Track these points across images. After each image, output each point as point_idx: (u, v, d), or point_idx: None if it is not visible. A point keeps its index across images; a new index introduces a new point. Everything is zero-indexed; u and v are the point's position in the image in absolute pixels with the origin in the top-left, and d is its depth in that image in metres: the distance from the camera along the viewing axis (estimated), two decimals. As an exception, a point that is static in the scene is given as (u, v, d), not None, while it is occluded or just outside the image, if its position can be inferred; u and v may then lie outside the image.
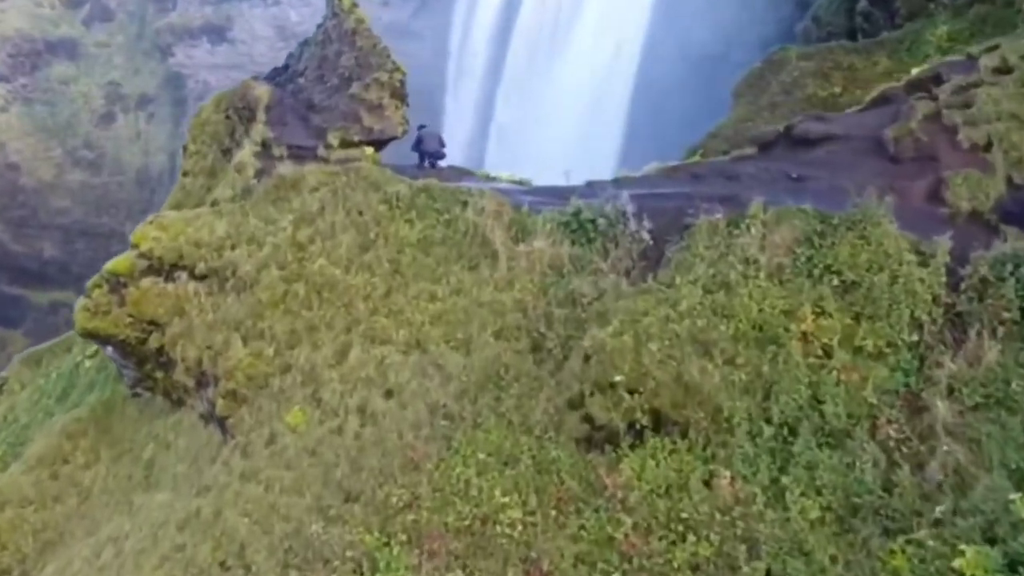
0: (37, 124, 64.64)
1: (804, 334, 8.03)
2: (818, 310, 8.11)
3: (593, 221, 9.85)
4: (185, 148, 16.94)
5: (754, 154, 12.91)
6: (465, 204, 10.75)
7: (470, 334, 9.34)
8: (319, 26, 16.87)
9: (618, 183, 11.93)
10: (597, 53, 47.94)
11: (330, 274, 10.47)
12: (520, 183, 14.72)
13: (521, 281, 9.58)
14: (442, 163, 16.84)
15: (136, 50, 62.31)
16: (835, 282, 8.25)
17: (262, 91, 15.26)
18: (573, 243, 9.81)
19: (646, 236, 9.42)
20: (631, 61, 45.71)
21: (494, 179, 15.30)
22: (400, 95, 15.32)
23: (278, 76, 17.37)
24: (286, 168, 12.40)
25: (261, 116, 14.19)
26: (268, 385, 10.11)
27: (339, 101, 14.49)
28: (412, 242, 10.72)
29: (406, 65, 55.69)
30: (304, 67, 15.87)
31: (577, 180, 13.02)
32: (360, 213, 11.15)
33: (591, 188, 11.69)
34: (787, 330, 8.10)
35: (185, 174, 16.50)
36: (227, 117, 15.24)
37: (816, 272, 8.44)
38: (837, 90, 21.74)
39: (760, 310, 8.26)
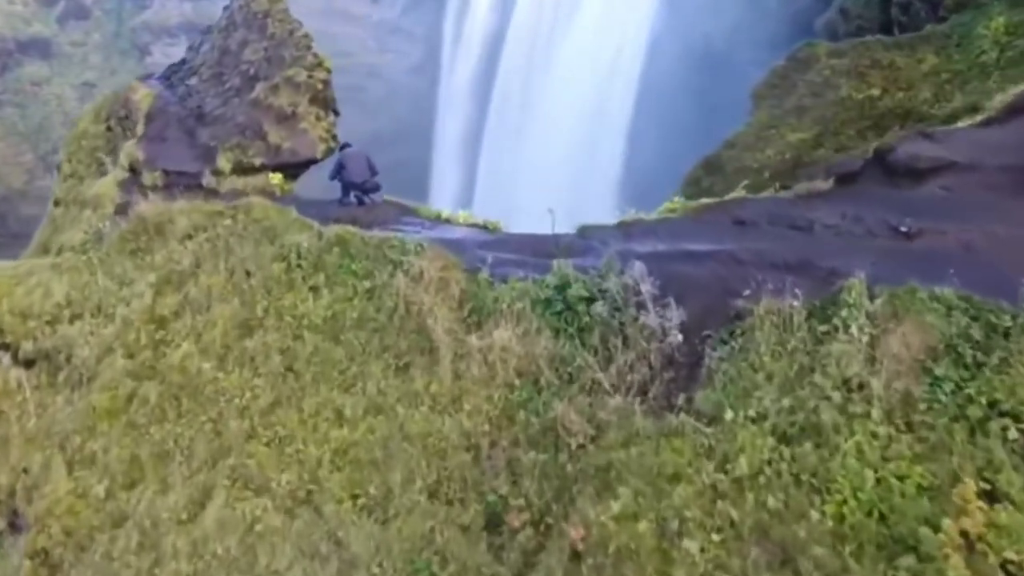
0: (7, 127, 61.05)
1: (965, 536, 4.38)
2: (986, 487, 4.50)
3: (588, 300, 6.25)
4: (59, 168, 12.68)
5: (830, 190, 9.12)
6: (396, 266, 7.19)
7: (390, 487, 5.85)
8: (225, 7, 13.31)
9: (626, 231, 8.41)
10: (598, 52, 44.71)
11: (195, 370, 6.93)
12: (485, 227, 10.51)
13: (473, 398, 6.04)
14: (377, 196, 13.11)
15: (113, 49, 58.95)
16: (1012, 433, 4.65)
17: (143, 95, 11.43)
18: (556, 334, 6.19)
19: (673, 331, 5.78)
20: (633, 61, 42.43)
21: (447, 221, 11.33)
22: (323, 100, 11.76)
23: (173, 74, 13.27)
24: (150, 205, 8.62)
25: (139, 129, 10.77)
26: (91, 546, 6.75)
27: (237, 109, 11.03)
28: (315, 323, 7.11)
29: (396, 65, 51.65)
30: (201, 62, 12.37)
31: (566, 218, 9.35)
32: (248, 274, 7.73)
33: (585, 239, 8.17)
34: (932, 526, 4.54)
35: (56, 203, 12.25)
36: (108, 129, 11.43)
37: (974, 413, 4.85)
38: (875, 92, 18.30)
39: (879, 482, 4.64)
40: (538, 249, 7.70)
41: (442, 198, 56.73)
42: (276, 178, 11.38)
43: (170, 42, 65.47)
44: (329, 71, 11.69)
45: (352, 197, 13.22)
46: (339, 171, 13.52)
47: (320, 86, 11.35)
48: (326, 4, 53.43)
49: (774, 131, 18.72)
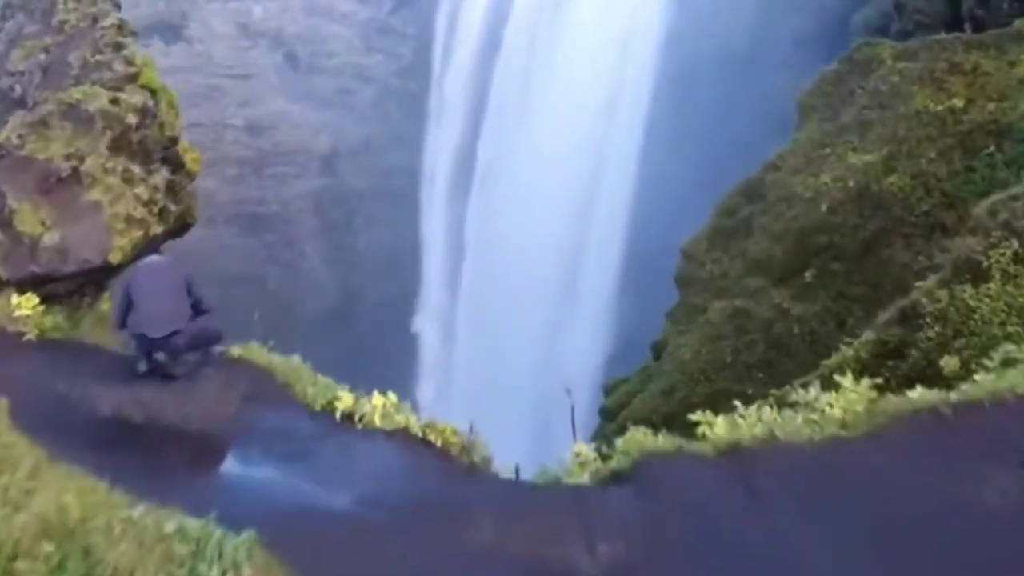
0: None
1: None
2: None
3: None
4: None
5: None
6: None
7: None
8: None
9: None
10: (603, 52, 41.11)
11: None
12: (427, 442, 5.66)
13: None
14: (202, 357, 7.93)
15: (83, 51, 55.52)
16: None
17: None
18: None
19: None
20: (643, 66, 38.83)
21: (357, 420, 6.13)
22: (142, 149, 7.64)
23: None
24: None
25: None
26: None
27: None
28: None
29: (385, 66, 46.95)
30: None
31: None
32: None
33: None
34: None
35: None
36: None
37: None
38: (958, 103, 14.85)
39: None
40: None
41: (432, 212, 53.05)
42: (27, 304, 6.83)
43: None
44: (155, 91, 7.81)
45: (142, 364, 7.57)
46: (123, 310, 7.91)
47: (133, 119, 7.23)
48: (307, 1, 49.83)
49: (829, 151, 15.23)
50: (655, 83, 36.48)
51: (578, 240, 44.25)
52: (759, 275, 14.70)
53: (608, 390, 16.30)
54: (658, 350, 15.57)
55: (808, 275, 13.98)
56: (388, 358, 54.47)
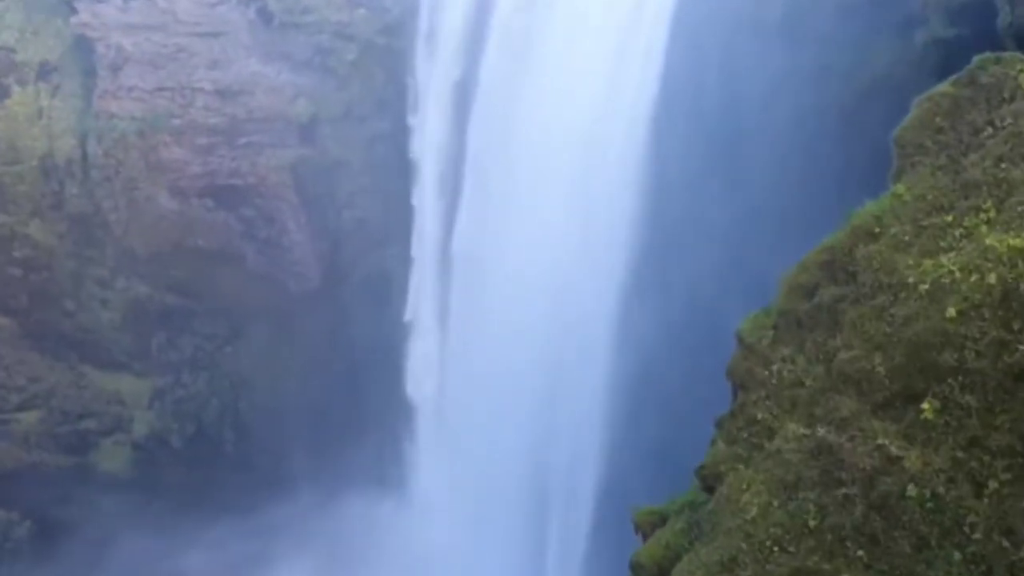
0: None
1: None
2: None
3: None
4: None
5: None
6: None
7: None
8: None
9: None
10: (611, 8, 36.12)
11: None
12: None
13: None
14: None
15: (35, 7, 50.26)
16: None
17: None
18: None
19: None
20: (656, 26, 33.92)
21: None
22: None
23: None
24: None
25: None
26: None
27: None
28: None
29: (368, 23, 40.86)
30: None
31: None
32: None
33: None
34: None
35: None
36: None
37: None
38: None
39: None
40: None
41: (425, 180, 48.55)
42: None
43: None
44: None
45: None
46: None
47: None
48: (274, -41, 44.55)
49: (950, 219, 10.99)
50: (668, 52, 31.67)
51: (580, 226, 39.92)
52: (852, 394, 10.71)
53: (637, 523, 12.39)
54: (707, 478, 11.61)
55: (928, 408, 10.00)
56: (378, 338, 50.76)
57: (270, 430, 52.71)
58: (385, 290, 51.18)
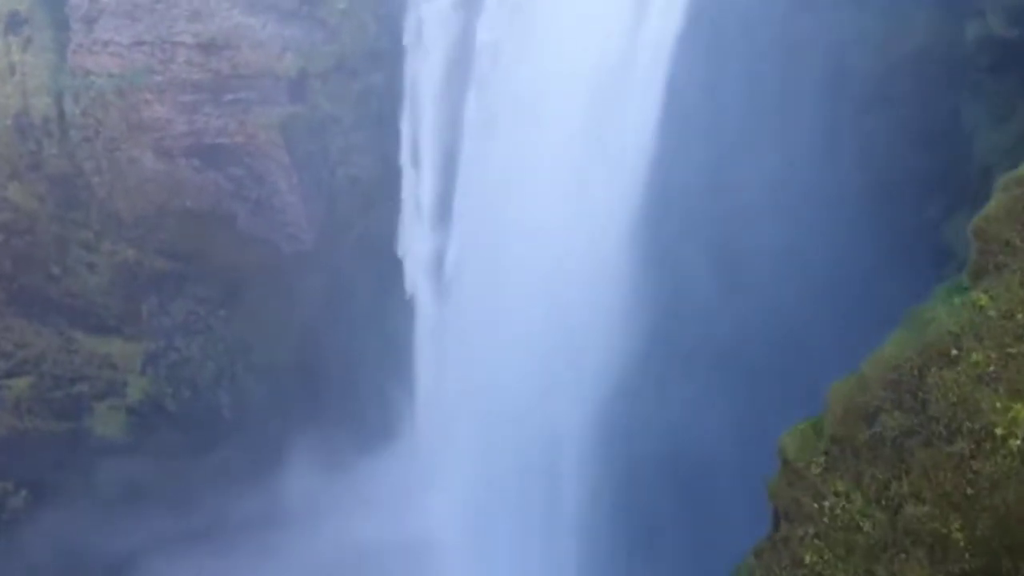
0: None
1: None
2: None
3: None
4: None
5: None
6: None
7: None
8: None
9: None
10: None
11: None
12: None
13: None
14: None
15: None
16: None
17: None
18: None
19: None
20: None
21: None
22: None
23: None
24: None
25: None
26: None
27: None
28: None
29: None
30: None
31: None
32: None
33: None
34: None
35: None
36: None
37: None
38: None
39: None
40: None
41: (420, 136, 46.27)
42: None
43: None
44: None
45: None
46: None
47: None
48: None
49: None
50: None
51: (585, 185, 37.85)
52: (923, 558, 9.11)
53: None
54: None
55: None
56: (374, 295, 49.35)
57: (267, 393, 51.72)
58: (382, 249, 49.41)
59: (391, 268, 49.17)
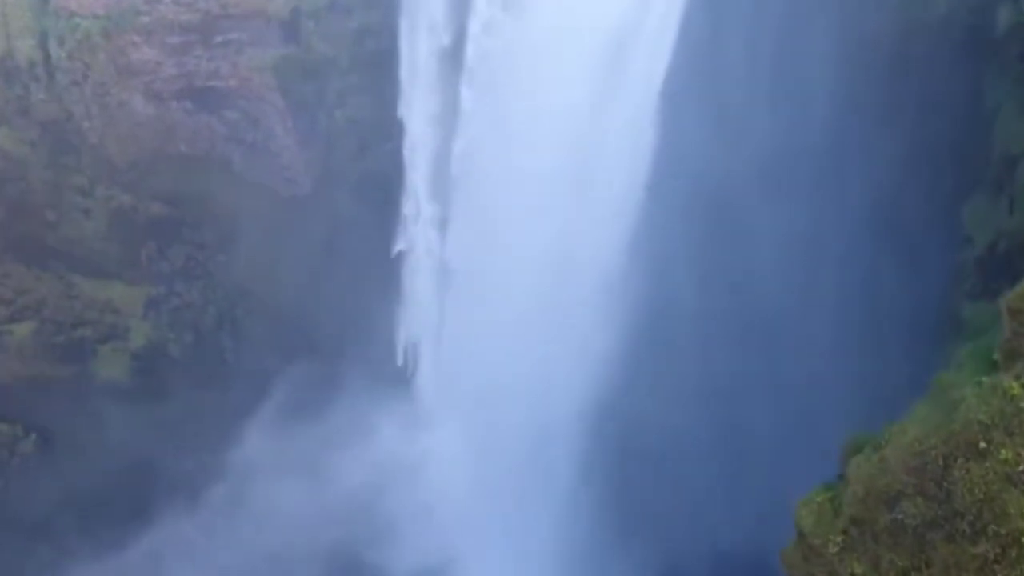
0: None
1: None
2: None
3: None
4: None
5: None
6: None
7: None
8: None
9: None
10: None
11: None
12: None
13: None
14: None
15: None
16: None
17: None
18: None
19: None
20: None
21: None
22: None
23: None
24: None
25: None
26: None
27: None
28: None
29: None
30: None
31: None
32: None
33: None
34: None
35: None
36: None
37: None
38: None
39: None
40: None
41: (416, 83, 45.06)
42: None
43: None
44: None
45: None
46: None
47: None
48: None
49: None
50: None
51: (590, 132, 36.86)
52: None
53: None
54: None
55: None
56: (372, 243, 48.92)
57: (270, 337, 51.80)
58: (381, 192, 48.65)
59: (391, 210, 48.48)
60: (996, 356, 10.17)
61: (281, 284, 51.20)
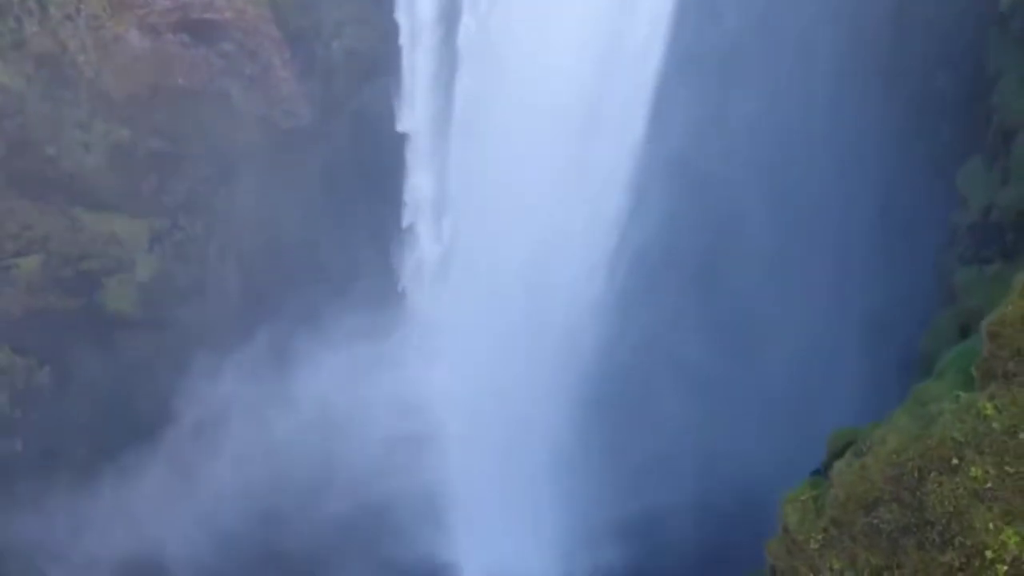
0: None
1: None
2: None
3: None
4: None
5: None
6: None
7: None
8: None
9: None
10: None
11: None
12: None
13: None
14: None
15: None
16: None
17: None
18: None
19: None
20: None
21: None
22: None
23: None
24: None
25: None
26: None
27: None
28: None
29: None
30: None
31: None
32: None
33: None
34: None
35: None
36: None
37: None
38: None
39: None
40: None
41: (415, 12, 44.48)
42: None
43: None
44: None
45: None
46: None
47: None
48: None
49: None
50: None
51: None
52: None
53: None
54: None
55: None
56: (373, 173, 49.12)
57: (273, 269, 52.44)
58: (381, 123, 48.51)
59: (391, 142, 48.41)
60: (974, 372, 10.87)
61: (283, 216, 51.52)
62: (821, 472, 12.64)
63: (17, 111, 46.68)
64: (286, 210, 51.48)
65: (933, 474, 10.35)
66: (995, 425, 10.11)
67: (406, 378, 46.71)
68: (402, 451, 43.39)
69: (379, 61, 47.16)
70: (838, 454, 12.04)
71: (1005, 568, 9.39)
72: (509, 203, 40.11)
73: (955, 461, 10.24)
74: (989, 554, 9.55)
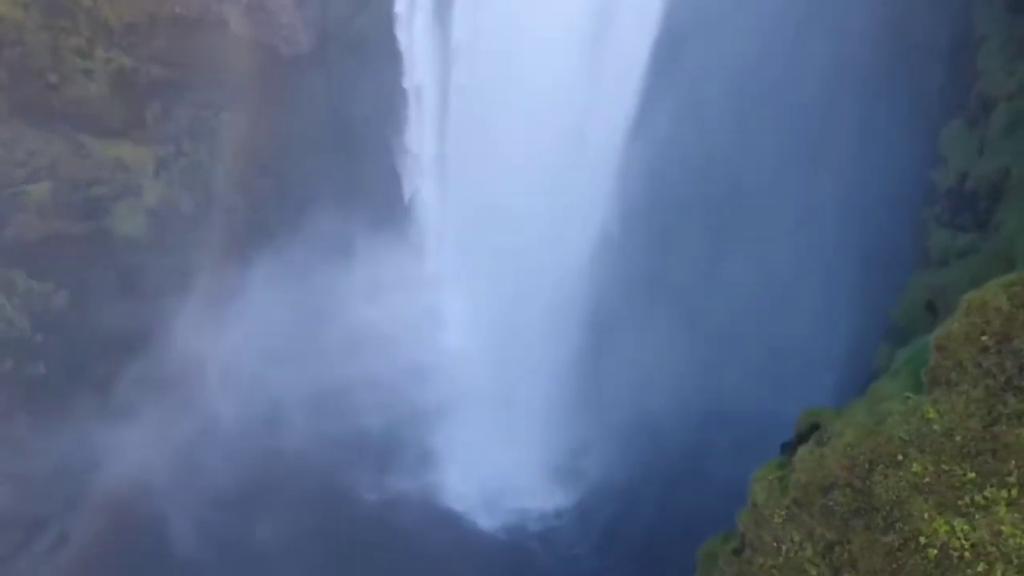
0: None
1: None
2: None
3: None
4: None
5: None
6: None
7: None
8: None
9: None
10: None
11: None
12: None
13: None
14: None
15: None
16: None
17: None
18: None
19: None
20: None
21: None
22: None
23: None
24: None
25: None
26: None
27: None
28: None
29: None
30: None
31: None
32: None
33: None
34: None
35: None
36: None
37: None
38: None
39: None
40: None
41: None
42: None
43: None
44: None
45: None
46: None
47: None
48: None
49: (973, 475, 11.56)
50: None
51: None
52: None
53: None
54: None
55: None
56: (375, 101, 49.68)
57: (278, 194, 53.37)
58: (381, 44, 48.68)
59: (391, 63, 48.59)
60: (923, 376, 12.37)
61: (286, 142, 52.10)
62: (790, 445, 14.36)
63: (17, 39, 46.64)
64: (290, 136, 52.02)
65: (881, 467, 12.02)
66: (936, 427, 11.70)
67: (411, 300, 48.08)
68: (406, 376, 45.32)
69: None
70: (804, 435, 13.72)
71: (935, 552, 11.16)
72: (511, 123, 40.41)
73: (900, 457, 11.88)
74: (923, 539, 11.31)
